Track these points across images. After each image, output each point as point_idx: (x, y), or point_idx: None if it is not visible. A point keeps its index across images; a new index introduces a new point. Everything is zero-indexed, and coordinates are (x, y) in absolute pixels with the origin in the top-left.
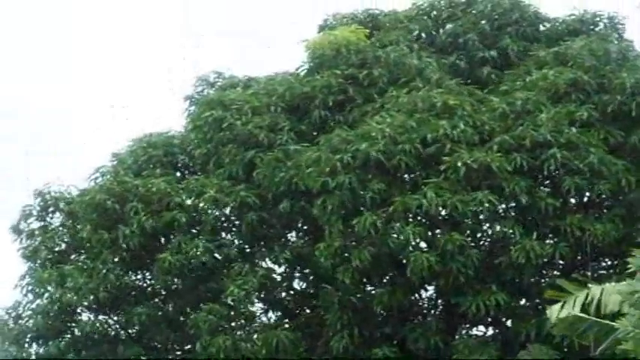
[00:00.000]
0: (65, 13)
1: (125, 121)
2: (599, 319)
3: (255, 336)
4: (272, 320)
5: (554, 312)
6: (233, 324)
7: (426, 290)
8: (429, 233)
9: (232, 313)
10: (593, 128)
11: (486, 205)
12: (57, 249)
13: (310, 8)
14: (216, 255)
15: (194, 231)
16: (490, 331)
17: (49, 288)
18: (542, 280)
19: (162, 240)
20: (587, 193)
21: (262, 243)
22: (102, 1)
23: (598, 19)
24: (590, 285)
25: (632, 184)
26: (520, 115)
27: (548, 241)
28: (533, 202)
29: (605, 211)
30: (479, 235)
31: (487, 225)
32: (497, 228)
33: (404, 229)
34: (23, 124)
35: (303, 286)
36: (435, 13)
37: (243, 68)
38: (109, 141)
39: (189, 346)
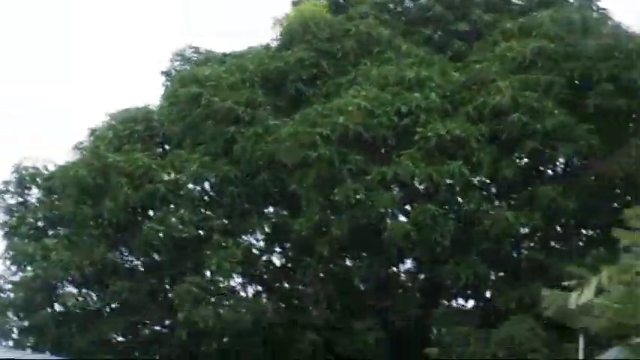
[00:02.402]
0: (65, 13)
1: None
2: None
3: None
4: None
5: (573, 299)
6: (216, 296)
7: (405, 263)
8: (406, 205)
9: (213, 286)
10: (554, 93)
11: (459, 176)
12: (37, 224)
13: None
14: (199, 230)
15: (175, 205)
16: (471, 303)
17: (34, 261)
18: (521, 253)
19: (144, 213)
20: (557, 161)
21: (242, 217)
22: (102, 1)
23: None
24: (602, 268)
25: (595, 148)
26: (484, 86)
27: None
28: (500, 171)
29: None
30: (454, 207)
31: (461, 196)
32: (470, 199)
33: (381, 197)
34: (23, 124)
35: (283, 260)
36: None
37: None
38: None
39: (169, 321)
